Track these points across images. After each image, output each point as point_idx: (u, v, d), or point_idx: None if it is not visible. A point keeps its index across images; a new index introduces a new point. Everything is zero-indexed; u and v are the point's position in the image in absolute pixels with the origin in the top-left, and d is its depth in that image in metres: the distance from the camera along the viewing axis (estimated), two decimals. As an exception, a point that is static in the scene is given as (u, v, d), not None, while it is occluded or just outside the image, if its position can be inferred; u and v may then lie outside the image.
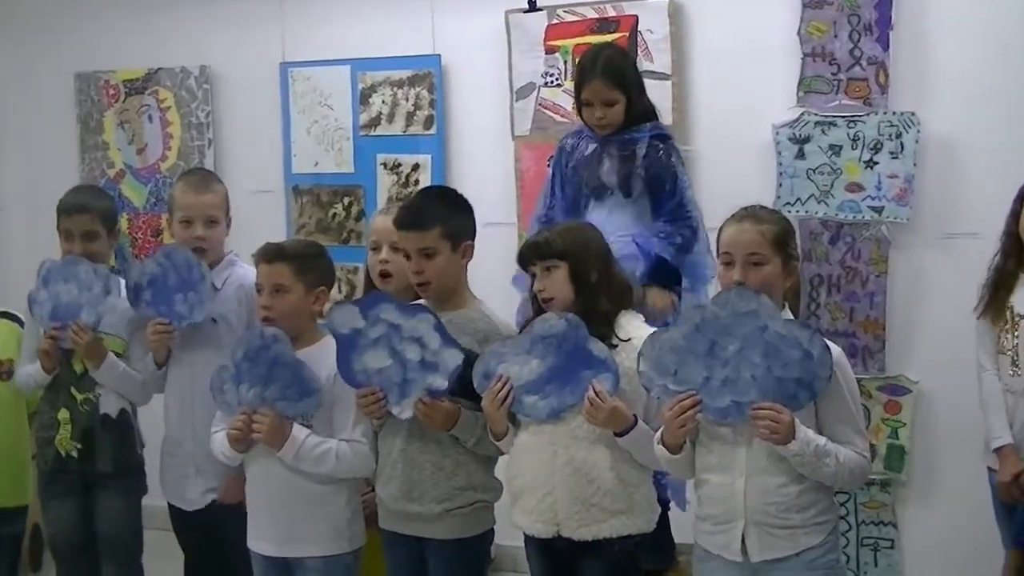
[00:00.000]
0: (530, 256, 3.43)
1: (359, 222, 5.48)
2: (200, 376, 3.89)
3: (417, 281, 3.54)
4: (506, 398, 3.38)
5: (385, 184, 5.42)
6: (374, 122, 5.42)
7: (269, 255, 3.69)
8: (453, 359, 3.43)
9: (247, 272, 4.01)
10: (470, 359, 3.44)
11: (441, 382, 3.44)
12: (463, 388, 3.45)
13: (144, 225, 5.98)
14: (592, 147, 4.20)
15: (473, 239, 3.59)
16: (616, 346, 3.35)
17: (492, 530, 3.64)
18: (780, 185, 4.69)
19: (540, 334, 3.38)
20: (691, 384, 3.14)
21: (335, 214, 5.55)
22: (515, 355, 3.40)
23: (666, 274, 4.10)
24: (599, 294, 3.38)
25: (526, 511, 3.42)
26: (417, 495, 3.52)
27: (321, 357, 3.61)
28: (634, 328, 3.40)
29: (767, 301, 3.08)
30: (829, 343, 3.14)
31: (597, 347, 3.32)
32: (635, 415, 3.30)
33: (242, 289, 4.02)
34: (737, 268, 3.18)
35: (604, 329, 3.36)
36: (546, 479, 3.37)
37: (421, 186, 5.25)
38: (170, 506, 4.18)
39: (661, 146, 4.15)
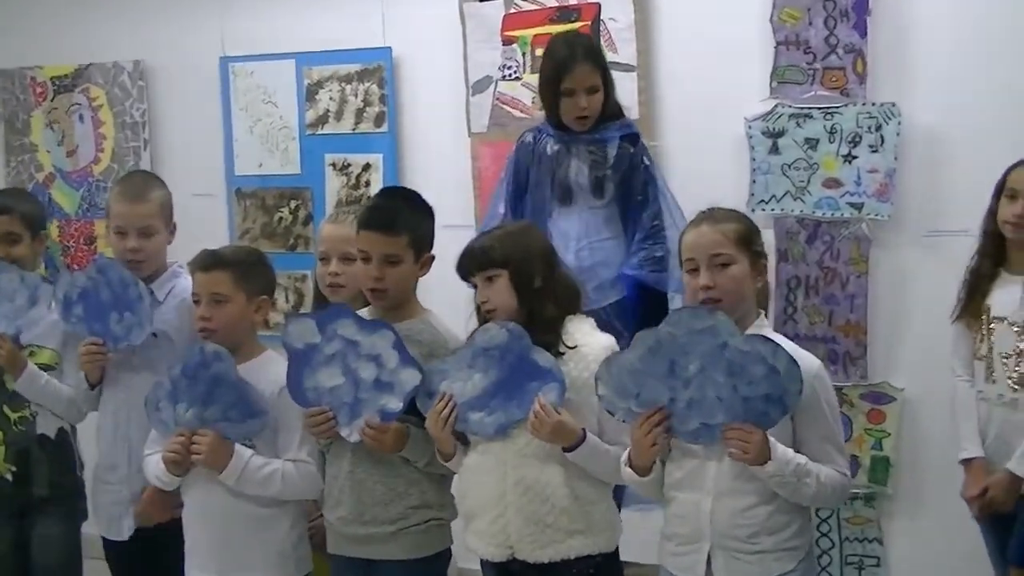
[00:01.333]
0: (469, 266, 3.44)
1: (307, 227, 5.48)
2: (137, 396, 3.88)
3: (373, 287, 3.54)
4: (449, 416, 3.40)
5: (334, 186, 5.43)
6: (321, 120, 5.43)
7: (206, 263, 3.67)
8: (410, 380, 3.44)
9: (191, 285, 4.01)
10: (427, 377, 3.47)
11: (395, 404, 3.45)
12: (413, 406, 3.47)
13: (77, 232, 5.96)
14: (556, 146, 4.21)
15: (432, 250, 3.62)
16: (563, 354, 3.37)
17: (449, 550, 3.65)
18: (754, 182, 4.72)
19: (482, 346, 3.39)
20: (655, 405, 3.16)
21: (281, 218, 5.55)
22: (457, 370, 3.42)
23: (654, 295, 4.14)
24: (544, 300, 3.40)
25: (478, 534, 3.44)
26: (368, 518, 3.54)
27: (263, 372, 3.62)
28: (582, 334, 3.42)
29: (723, 317, 3.08)
30: (804, 354, 3.17)
31: (542, 357, 3.33)
32: (584, 428, 3.32)
33: (185, 303, 3.99)
34: (703, 272, 3.19)
35: (550, 337, 3.38)
36: (497, 500, 3.38)
37: (373, 187, 5.28)
38: (104, 539, 4.15)
39: (631, 148, 4.18)
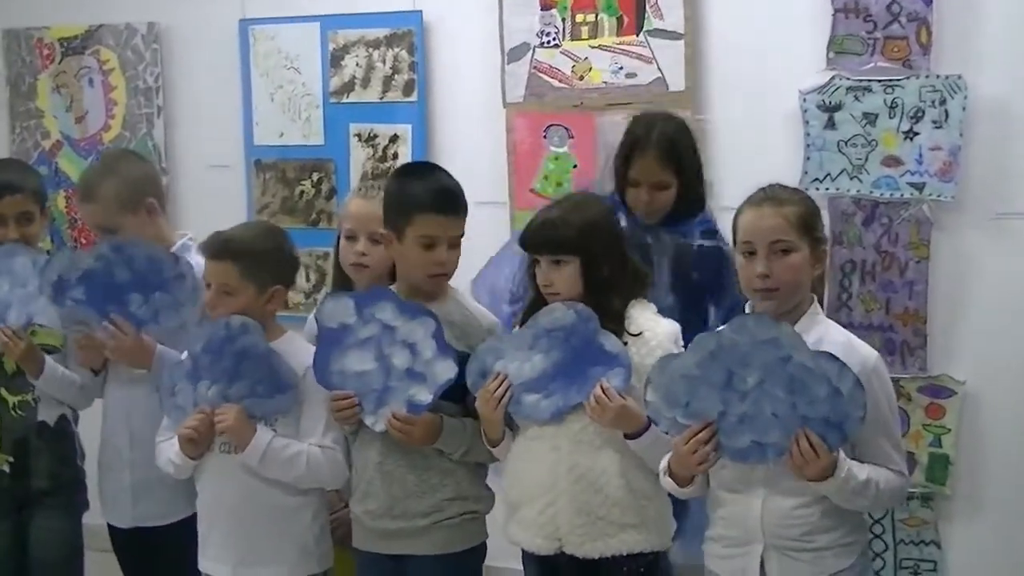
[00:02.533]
0: (538, 246, 3.45)
1: (330, 201, 5.50)
2: (140, 378, 3.93)
3: (441, 272, 3.57)
4: (503, 397, 3.42)
5: (359, 158, 5.43)
6: (347, 88, 5.43)
7: (214, 250, 3.66)
8: (445, 373, 3.46)
9: (201, 263, 4.03)
10: (465, 361, 3.48)
11: (425, 396, 3.47)
12: (446, 393, 3.49)
13: (83, 204, 5.99)
14: (634, 232, 3.95)
15: None
16: (626, 342, 3.38)
17: (484, 544, 3.68)
18: (807, 159, 4.71)
19: (546, 327, 3.41)
20: (704, 418, 3.15)
21: (302, 192, 5.57)
22: (515, 351, 3.44)
23: None
24: (611, 290, 3.42)
25: (525, 524, 3.46)
26: (399, 511, 3.57)
27: (286, 352, 3.63)
28: (646, 320, 3.44)
29: (789, 329, 3.07)
30: (861, 344, 3.16)
31: (609, 341, 3.36)
32: (649, 416, 3.33)
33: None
34: (760, 259, 3.18)
35: (613, 325, 3.39)
36: (547, 488, 3.41)
37: (400, 160, 5.28)
38: (109, 525, 4.18)
39: (708, 245, 4.06)
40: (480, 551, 3.67)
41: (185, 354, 3.70)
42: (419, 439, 3.50)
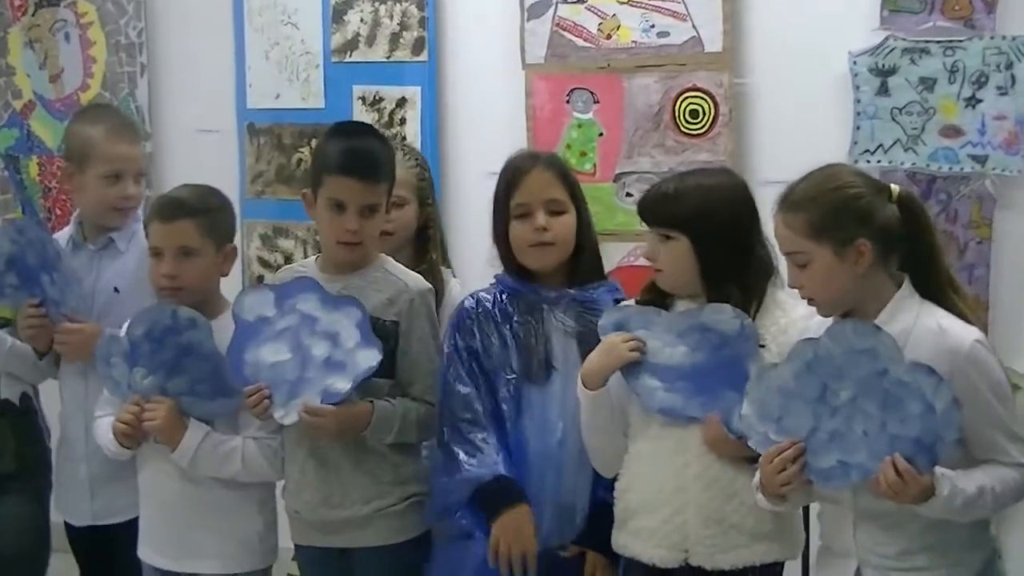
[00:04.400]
0: (645, 215, 3.44)
1: (330, 170, 5.50)
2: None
3: (351, 240, 3.64)
4: (631, 353, 3.42)
5: (363, 123, 5.45)
6: (350, 45, 5.45)
7: (167, 212, 3.73)
8: (367, 360, 3.53)
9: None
10: (386, 337, 3.56)
11: (343, 385, 3.54)
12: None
13: (59, 171, 5.95)
14: (520, 306, 3.68)
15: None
16: (763, 345, 3.38)
17: (431, 531, 3.71)
18: (858, 128, 4.71)
19: (704, 323, 3.40)
20: (795, 436, 3.15)
21: (301, 160, 5.58)
22: (664, 331, 3.44)
23: None
24: (730, 279, 3.40)
25: (643, 534, 3.45)
26: (338, 500, 3.64)
27: (227, 332, 3.68)
28: (776, 303, 3.44)
29: (887, 338, 3.04)
30: (956, 328, 3.11)
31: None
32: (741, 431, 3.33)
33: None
34: (789, 271, 3.22)
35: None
36: (673, 495, 3.41)
37: (408, 125, 5.30)
38: (65, 523, 4.24)
39: None
40: (429, 537, 3.71)
41: (124, 330, 3.75)
42: (334, 431, 3.55)
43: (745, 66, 4.88)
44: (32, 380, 4.25)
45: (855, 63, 4.70)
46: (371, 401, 3.58)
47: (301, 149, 5.57)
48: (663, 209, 3.40)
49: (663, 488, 3.42)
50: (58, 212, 5.91)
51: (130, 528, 3.96)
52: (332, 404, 3.53)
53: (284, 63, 5.57)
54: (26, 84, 6.05)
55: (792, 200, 3.18)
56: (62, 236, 4.22)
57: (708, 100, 4.89)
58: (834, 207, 3.15)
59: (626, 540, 3.50)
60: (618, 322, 3.48)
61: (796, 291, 3.29)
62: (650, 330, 3.45)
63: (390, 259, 3.76)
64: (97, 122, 4.19)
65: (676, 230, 3.37)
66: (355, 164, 3.59)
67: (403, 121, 5.36)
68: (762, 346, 3.37)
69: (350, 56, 5.46)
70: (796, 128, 4.55)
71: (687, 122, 4.92)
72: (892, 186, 3.23)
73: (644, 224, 3.45)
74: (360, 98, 5.46)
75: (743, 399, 3.25)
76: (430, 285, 3.76)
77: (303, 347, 3.58)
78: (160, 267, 3.71)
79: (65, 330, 4.00)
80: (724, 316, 3.38)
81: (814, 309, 3.28)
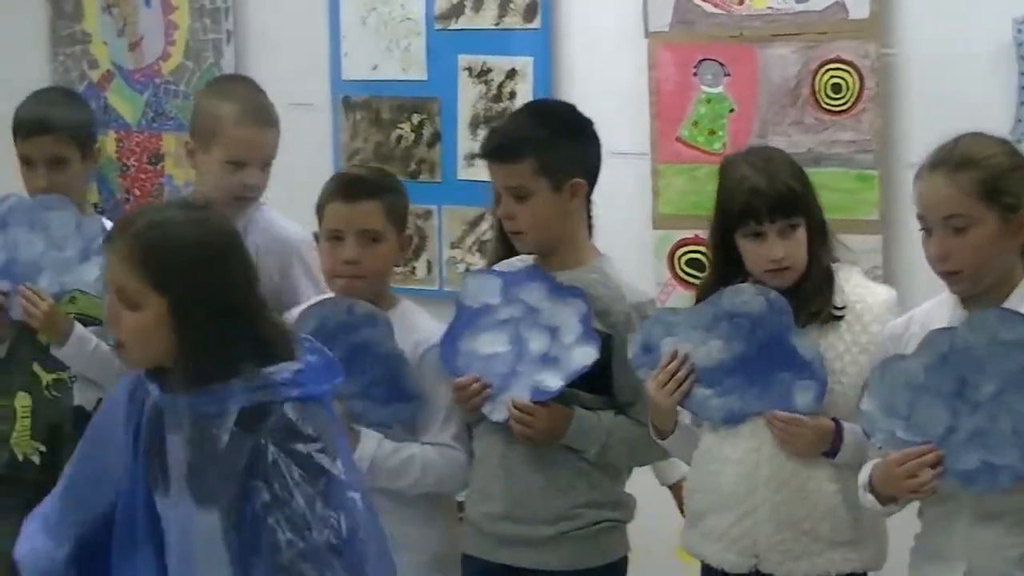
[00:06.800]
0: (765, 211, 3.45)
1: (432, 148, 5.56)
2: None
3: (511, 229, 3.68)
4: (684, 381, 3.48)
5: (469, 97, 5.48)
6: (455, 11, 5.48)
7: (351, 190, 3.77)
8: (583, 358, 3.56)
9: (276, 219, 4.17)
10: (606, 345, 3.55)
11: (554, 381, 3.56)
12: (592, 382, 3.57)
13: (138, 147, 6.10)
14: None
15: (586, 175, 3.70)
16: (838, 317, 3.43)
17: (625, 559, 3.77)
18: (1021, 104, 4.69)
19: (728, 310, 3.46)
20: (928, 434, 3.16)
21: (400, 137, 5.63)
22: (690, 330, 3.50)
23: None
24: (821, 250, 3.49)
25: (713, 536, 3.52)
26: (523, 515, 3.66)
27: (403, 327, 3.73)
28: (853, 286, 3.49)
29: None
30: None
31: (804, 344, 3.40)
32: (835, 420, 3.39)
33: (275, 241, 4.15)
34: (934, 237, 3.21)
35: (821, 300, 3.44)
36: (744, 496, 3.47)
37: (519, 100, 5.31)
38: None
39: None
40: (619, 567, 3.76)
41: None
42: (541, 432, 3.58)
43: (894, 35, 4.84)
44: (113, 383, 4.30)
45: (1020, 31, 4.66)
46: (573, 408, 3.61)
47: (401, 125, 5.61)
48: (786, 198, 3.46)
49: (733, 490, 3.47)
50: (137, 192, 6.02)
51: None
52: (539, 402, 3.57)
53: (382, 30, 5.61)
54: (103, 53, 6.15)
55: (961, 158, 3.21)
56: None
57: (852, 73, 4.86)
58: (1010, 167, 3.21)
59: (696, 542, 3.56)
60: (644, 345, 3.53)
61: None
62: (675, 334, 3.50)
63: (610, 259, 3.78)
64: (229, 98, 4.24)
65: (800, 215, 3.45)
66: (487, 146, 3.74)
67: (512, 95, 5.38)
68: (839, 318, 3.41)
69: (455, 23, 5.49)
70: (951, 104, 4.52)
71: (828, 97, 4.90)
72: None
73: (766, 222, 3.46)
74: (466, 69, 5.49)
75: (798, 378, 3.34)
76: (651, 297, 3.80)
77: (521, 339, 3.63)
78: (340, 251, 3.73)
79: None
80: (746, 297, 3.44)
81: (894, 294, 3.39)
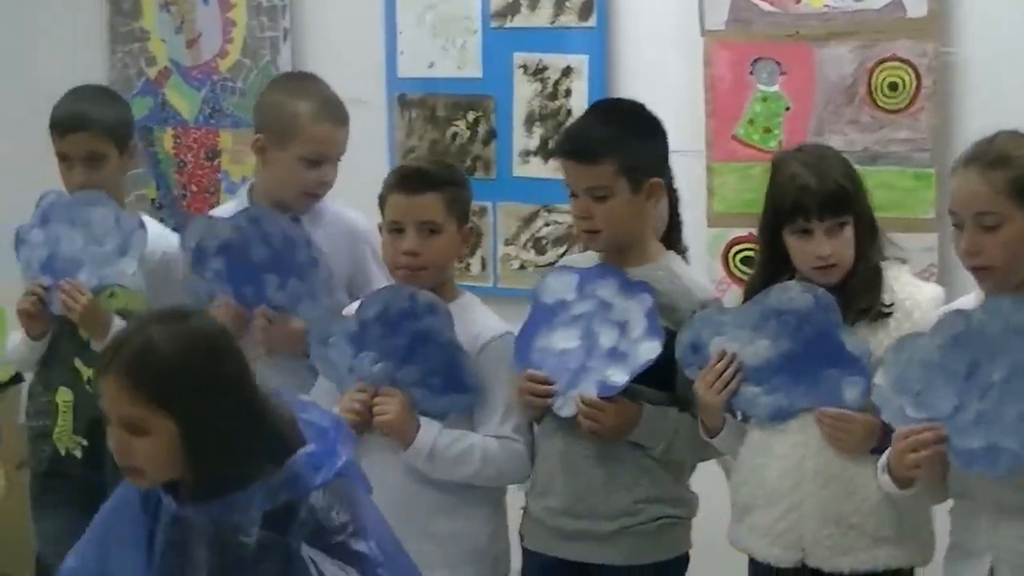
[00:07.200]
0: (814, 209, 3.46)
1: (488, 146, 5.58)
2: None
3: (586, 228, 3.69)
4: (732, 380, 3.52)
5: (525, 94, 5.49)
6: (511, 9, 5.49)
7: (412, 183, 3.79)
8: (647, 353, 3.57)
9: (343, 210, 4.16)
10: (671, 341, 3.58)
11: (620, 377, 3.58)
12: (654, 377, 3.59)
13: (196, 143, 6.14)
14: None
15: (662, 174, 3.73)
16: (886, 314, 3.45)
17: (686, 556, 3.79)
18: (1080, 104, 4.67)
19: (775, 307, 3.49)
20: (936, 412, 3.19)
21: (456, 134, 5.65)
22: (737, 329, 3.54)
23: None
24: (871, 247, 3.51)
25: (760, 531, 3.56)
26: (584, 511, 3.69)
27: (463, 320, 3.75)
28: (902, 285, 3.51)
29: None
30: None
31: (852, 341, 3.42)
32: (873, 402, 3.39)
33: (343, 234, 4.17)
34: (966, 232, 3.22)
35: (870, 297, 3.46)
36: (790, 490, 3.49)
37: (574, 98, 5.33)
38: None
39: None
40: (681, 563, 3.79)
41: (354, 308, 3.83)
42: (609, 428, 3.60)
43: (953, 34, 4.83)
44: None
45: (1079, 30, 4.66)
46: (640, 404, 3.63)
47: (456, 123, 5.63)
48: (836, 195, 3.47)
49: (779, 484, 3.49)
50: (194, 188, 6.06)
51: None
52: (606, 397, 3.58)
53: (438, 28, 5.63)
54: (161, 50, 6.19)
55: (995, 155, 3.23)
56: (225, 210, 4.30)
57: (909, 71, 4.84)
58: None
59: (744, 536, 3.59)
60: (691, 344, 3.56)
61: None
62: (723, 334, 3.53)
63: (677, 257, 3.81)
64: (305, 96, 4.24)
65: (850, 212, 3.46)
66: (568, 145, 3.73)
67: (568, 93, 5.39)
68: (888, 315, 3.43)
69: (511, 21, 5.50)
70: (1011, 105, 4.49)
71: (885, 96, 4.89)
72: None
73: (815, 219, 3.46)
74: (521, 67, 5.50)
75: (843, 372, 3.37)
76: (716, 295, 3.83)
77: (592, 334, 3.65)
78: (401, 243, 3.76)
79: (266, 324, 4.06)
80: (793, 294, 3.46)
81: (942, 292, 3.44)
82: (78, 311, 4.16)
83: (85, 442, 4.28)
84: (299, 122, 4.16)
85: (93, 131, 4.25)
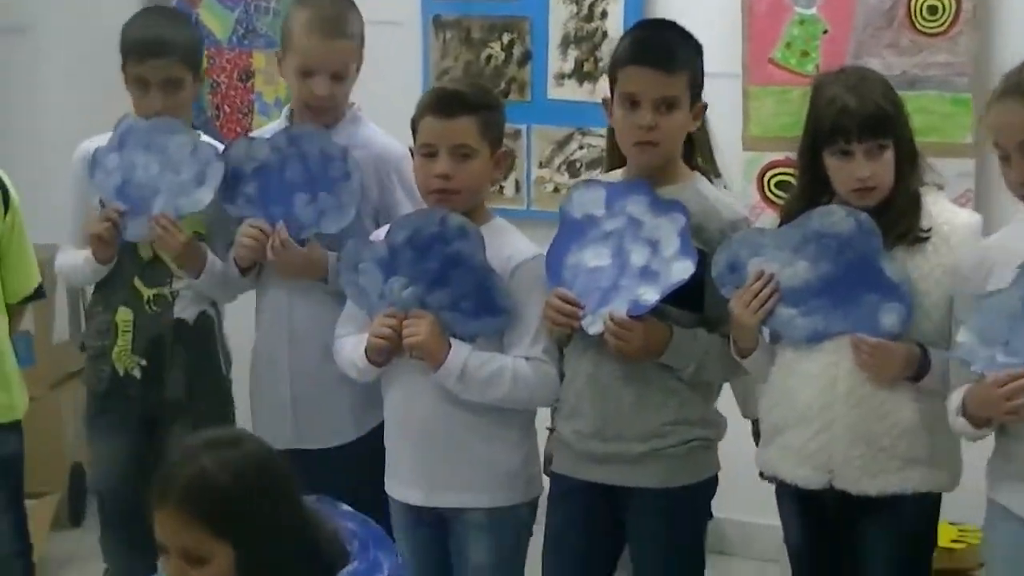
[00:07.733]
0: (854, 130, 3.44)
1: (523, 68, 5.57)
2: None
3: (645, 139, 3.62)
4: (768, 300, 3.50)
5: (560, 16, 5.48)
6: (547, -72, 5.48)
7: (445, 106, 3.74)
8: (680, 273, 3.54)
9: (376, 135, 4.13)
10: (701, 261, 3.55)
11: (651, 295, 3.55)
12: (684, 298, 3.57)
13: (229, 65, 6.14)
14: None
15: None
16: (924, 239, 3.44)
17: (715, 478, 3.78)
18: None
19: (817, 230, 3.47)
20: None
21: (491, 56, 5.64)
22: (777, 250, 3.52)
23: None
24: (912, 173, 3.48)
25: (789, 452, 3.56)
26: (612, 434, 3.66)
27: (494, 243, 3.72)
28: (939, 210, 3.49)
29: None
30: None
31: (892, 267, 3.41)
32: (921, 346, 3.40)
33: (374, 157, 4.11)
34: (1013, 161, 3.21)
35: (909, 221, 3.45)
36: (821, 411, 3.49)
37: (610, 20, 5.32)
38: None
39: None
40: (710, 486, 3.78)
41: (383, 233, 3.80)
42: (638, 349, 3.58)
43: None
44: (224, 297, 4.34)
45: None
46: (670, 325, 3.61)
47: (491, 44, 5.62)
48: (877, 117, 3.43)
49: (810, 404, 3.49)
50: (227, 109, 6.06)
51: (339, 455, 4.09)
52: (637, 316, 3.57)
53: (474, -51, 5.62)
54: (195, -31, 6.17)
55: None
56: (267, 130, 4.27)
57: (949, -6, 4.84)
58: None
59: (773, 458, 3.60)
60: (729, 263, 3.54)
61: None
62: (762, 255, 3.52)
63: (704, 179, 3.78)
64: (305, 8, 4.17)
65: (891, 135, 3.43)
66: (648, 53, 3.63)
67: (604, 15, 5.38)
68: (925, 239, 3.43)
69: (546, -59, 5.48)
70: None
71: (924, 19, 4.86)
72: None
73: (854, 142, 3.44)
74: (558, -12, 5.49)
75: (882, 298, 3.37)
76: (745, 215, 3.78)
77: (624, 252, 3.62)
78: (433, 166, 3.71)
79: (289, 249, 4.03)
80: (836, 218, 3.45)
81: (979, 218, 3.47)
82: (175, 248, 4.14)
83: (144, 362, 4.27)
84: (293, 34, 4.13)
85: (174, 57, 4.21)
